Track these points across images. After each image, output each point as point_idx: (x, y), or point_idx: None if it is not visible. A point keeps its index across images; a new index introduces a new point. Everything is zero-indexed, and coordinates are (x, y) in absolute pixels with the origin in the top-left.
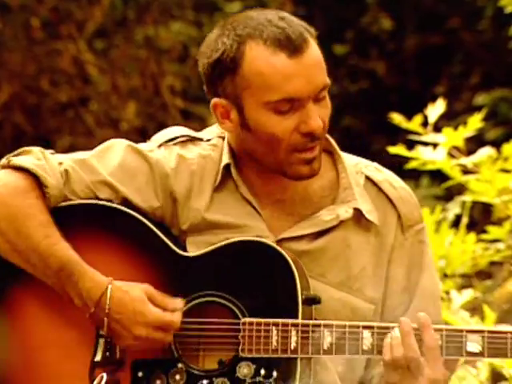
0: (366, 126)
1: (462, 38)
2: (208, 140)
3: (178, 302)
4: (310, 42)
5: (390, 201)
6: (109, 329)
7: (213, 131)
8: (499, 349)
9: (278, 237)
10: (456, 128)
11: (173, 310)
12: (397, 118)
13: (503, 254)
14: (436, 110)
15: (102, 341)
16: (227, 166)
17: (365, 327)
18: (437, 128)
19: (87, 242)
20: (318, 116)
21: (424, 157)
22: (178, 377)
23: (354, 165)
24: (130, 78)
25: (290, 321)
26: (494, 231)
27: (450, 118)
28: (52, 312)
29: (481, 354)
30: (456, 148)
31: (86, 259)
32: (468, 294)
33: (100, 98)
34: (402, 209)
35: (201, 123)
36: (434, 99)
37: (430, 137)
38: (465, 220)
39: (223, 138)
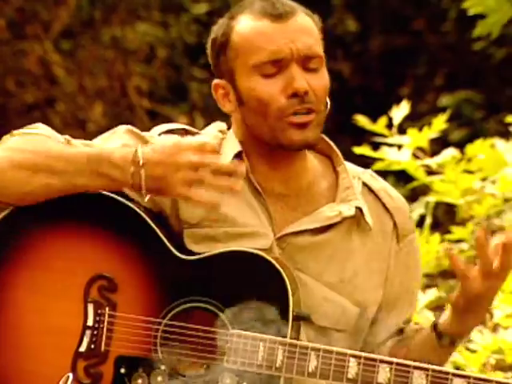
0: (331, 127)
1: (427, 39)
2: (204, 133)
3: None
4: (298, 14)
5: (387, 209)
6: (152, 179)
7: (210, 127)
8: None
9: (281, 231)
10: (420, 129)
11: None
12: (361, 121)
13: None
14: (401, 111)
15: (88, 332)
16: (239, 154)
17: (352, 355)
18: (401, 129)
19: (83, 231)
20: (307, 82)
21: (389, 158)
22: (159, 378)
23: (351, 169)
24: (97, 78)
25: (278, 339)
26: (457, 231)
27: (415, 119)
28: (43, 299)
29: None
30: (420, 149)
31: (79, 247)
32: (432, 294)
33: (67, 99)
34: (397, 218)
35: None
36: (398, 100)
37: (395, 138)
38: (429, 220)
39: (222, 132)
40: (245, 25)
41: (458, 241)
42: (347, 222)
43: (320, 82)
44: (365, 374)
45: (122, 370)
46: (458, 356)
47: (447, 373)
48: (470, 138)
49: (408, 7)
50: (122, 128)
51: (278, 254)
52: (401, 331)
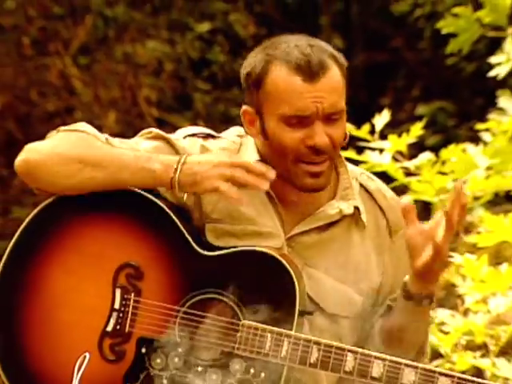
0: None
1: (405, 55)
2: (225, 138)
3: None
4: (329, 70)
5: (381, 208)
6: (189, 175)
7: (230, 132)
8: None
9: (290, 232)
10: (400, 135)
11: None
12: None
13: None
14: (382, 119)
15: (115, 314)
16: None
17: (349, 351)
18: (383, 135)
19: (115, 222)
20: (326, 134)
21: (372, 160)
22: (176, 360)
23: (351, 171)
24: (111, 90)
25: (284, 331)
26: None
27: (395, 127)
28: (76, 280)
29: None
30: (399, 153)
31: (110, 236)
32: None
33: (84, 108)
34: (390, 216)
35: (173, 130)
36: (380, 110)
37: (377, 143)
38: None
39: (241, 137)
40: (279, 75)
41: None
42: (347, 220)
43: (339, 131)
44: (360, 368)
45: (143, 350)
46: (433, 337)
47: (434, 371)
48: (444, 143)
49: (387, 27)
50: (153, 132)
51: (288, 252)
52: (389, 308)
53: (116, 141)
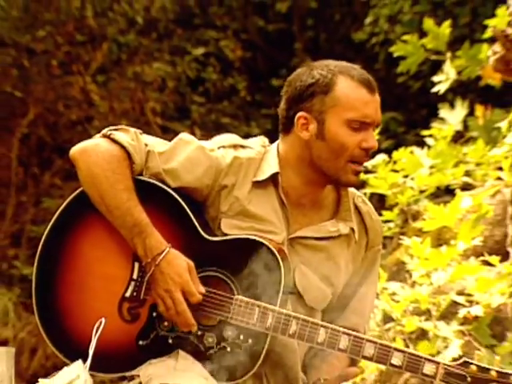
0: None
1: None
2: (252, 148)
3: (202, 288)
4: (377, 90)
5: (366, 228)
6: (152, 276)
7: (256, 142)
8: (413, 366)
9: (293, 233)
10: None
11: (198, 290)
12: None
13: (393, 231)
14: None
15: (132, 283)
16: (275, 174)
17: (322, 326)
18: None
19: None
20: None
21: None
22: None
23: (350, 193)
24: (123, 102)
25: (270, 306)
26: (386, 214)
27: None
28: (102, 252)
29: (400, 368)
30: None
31: None
32: None
33: (100, 117)
34: (371, 235)
35: (174, 136)
36: None
37: None
38: None
39: (264, 147)
40: (348, 85)
41: (387, 221)
42: (342, 237)
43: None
44: (330, 340)
45: (154, 314)
46: (386, 305)
47: (390, 347)
48: (395, 147)
49: (349, 51)
50: (192, 140)
51: (288, 249)
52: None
53: (150, 140)
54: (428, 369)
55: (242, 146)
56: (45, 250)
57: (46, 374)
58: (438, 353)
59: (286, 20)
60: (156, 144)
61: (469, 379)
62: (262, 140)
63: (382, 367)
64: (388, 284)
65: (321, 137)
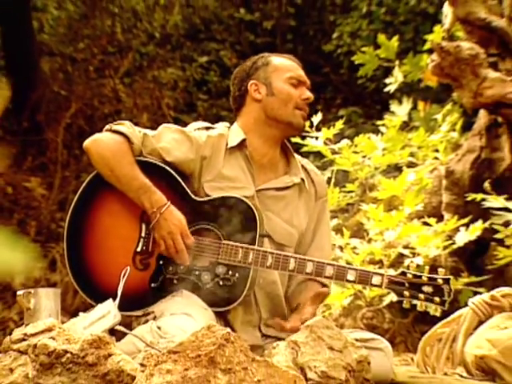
0: None
1: (331, 78)
2: (219, 128)
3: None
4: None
5: (313, 182)
6: (157, 222)
7: (221, 124)
8: (364, 279)
9: (258, 186)
10: (328, 128)
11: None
12: None
13: (354, 199)
14: (317, 118)
15: (142, 240)
16: (243, 140)
17: (291, 257)
18: (318, 128)
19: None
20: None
21: (311, 144)
22: (182, 267)
23: (297, 158)
24: (144, 99)
25: (250, 246)
26: (349, 186)
27: (325, 123)
28: (117, 219)
29: (353, 282)
30: (328, 139)
31: None
32: (335, 222)
33: (127, 111)
34: (318, 188)
35: (185, 125)
36: (316, 112)
37: (314, 133)
38: (333, 180)
39: (228, 127)
40: (280, 59)
41: (350, 191)
42: (295, 186)
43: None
44: (299, 267)
45: (161, 262)
46: (349, 256)
47: (345, 267)
48: (356, 134)
49: (320, 60)
50: (172, 128)
51: (256, 199)
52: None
53: (148, 132)
54: (375, 280)
55: (212, 128)
56: (72, 221)
57: (85, 309)
58: (388, 293)
59: (271, 35)
60: (147, 131)
61: (406, 285)
62: (225, 124)
63: (345, 303)
64: (350, 240)
65: (271, 93)
